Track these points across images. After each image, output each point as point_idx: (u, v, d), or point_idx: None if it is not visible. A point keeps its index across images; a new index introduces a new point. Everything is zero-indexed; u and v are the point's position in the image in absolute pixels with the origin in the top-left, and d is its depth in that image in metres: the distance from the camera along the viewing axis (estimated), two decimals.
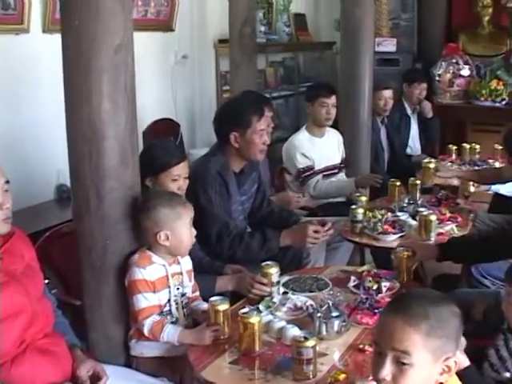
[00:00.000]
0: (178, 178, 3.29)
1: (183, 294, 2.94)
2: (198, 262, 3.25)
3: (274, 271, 3.15)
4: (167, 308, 2.87)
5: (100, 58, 2.69)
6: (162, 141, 4.01)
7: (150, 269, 2.81)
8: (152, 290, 2.80)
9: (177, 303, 2.90)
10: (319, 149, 5.03)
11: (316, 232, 3.70)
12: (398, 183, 4.58)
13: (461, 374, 2.33)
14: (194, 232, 2.95)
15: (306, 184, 4.88)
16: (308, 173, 4.89)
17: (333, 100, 5.03)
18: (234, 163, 3.84)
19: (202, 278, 3.17)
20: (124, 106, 2.79)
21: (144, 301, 2.78)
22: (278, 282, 3.16)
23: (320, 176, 4.96)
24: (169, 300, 2.87)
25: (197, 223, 3.10)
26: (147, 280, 2.79)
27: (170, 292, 2.87)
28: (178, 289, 2.91)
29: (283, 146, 5.15)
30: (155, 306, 2.81)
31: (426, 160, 5.09)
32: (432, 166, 4.89)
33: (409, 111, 6.61)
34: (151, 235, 2.83)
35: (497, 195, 4.51)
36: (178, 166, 3.29)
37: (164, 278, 2.85)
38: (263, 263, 3.22)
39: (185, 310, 2.94)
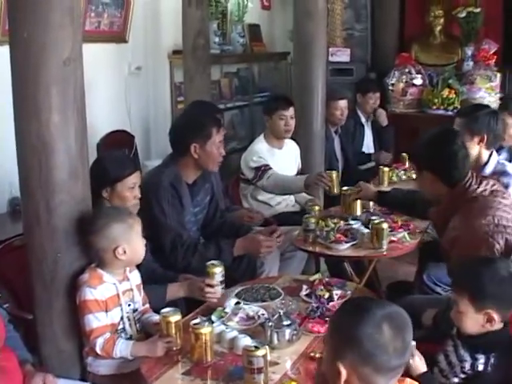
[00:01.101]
0: (134, 185, 3.30)
1: (135, 310, 2.94)
2: (151, 273, 3.28)
3: (218, 270, 3.19)
4: (121, 326, 2.87)
5: (49, 71, 2.68)
6: (112, 153, 4.04)
7: (101, 288, 2.81)
8: (104, 309, 2.80)
9: (129, 320, 2.91)
10: (277, 160, 5.05)
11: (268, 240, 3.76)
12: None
13: (418, 379, 2.40)
14: (144, 241, 2.96)
15: (262, 179, 4.84)
16: (264, 168, 4.85)
17: (291, 112, 5.08)
18: (188, 174, 3.85)
19: (152, 288, 3.19)
20: (74, 119, 2.78)
21: (95, 321, 2.77)
22: (222, 282, 3.21)
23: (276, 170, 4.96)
24: (121, 318, 2.87)
25: (150, 234, 3.15)
26: (98, 300, 2.78)
27: (121, 310, 2.87)
28: (129, 305, 2.92)
29: (240, 156, 5.18)
30: (107, 325, 2.80)
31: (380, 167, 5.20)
32: (386, 170, 5.14)
33: (363, 120, 6.69)
34: (108, 252, 2.83)
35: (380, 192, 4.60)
36: (132, 175, 3.30)
37: (115, 296, 2.85)
38: (207, 263, 3.25)
39: (137, 325, 2.95)
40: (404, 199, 4.13)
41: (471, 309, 2.55)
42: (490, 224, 3.07)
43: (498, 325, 2.56)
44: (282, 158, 5.11)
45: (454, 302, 2.63)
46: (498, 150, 4.73)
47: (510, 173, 3.84)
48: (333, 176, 4.58)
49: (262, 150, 5.02)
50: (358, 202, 4.40)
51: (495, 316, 2.53)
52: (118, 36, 5.75)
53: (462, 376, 2.58)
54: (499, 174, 3.88)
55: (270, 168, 4.86)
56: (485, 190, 3.24)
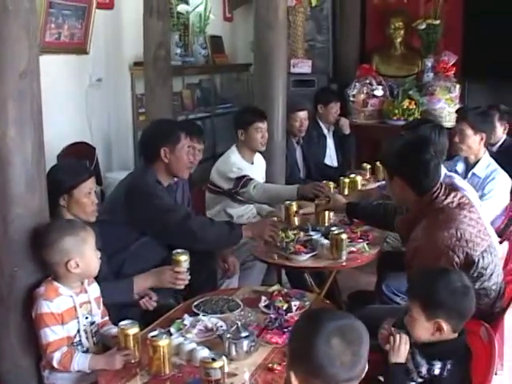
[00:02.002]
0: (90, 191, 3.31)
1: (92, 323, 2.93)
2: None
3: (184, 258, 3.32)
4: (77, 339, 2.86)
5: (4, 84, 2.68)
6: (65, 161, 4.07)
7: (58, 301, 2.79)
8: (60, 322, 2.78)
9: (86, 332, 2.89)
10: (251, 175, 5.04)
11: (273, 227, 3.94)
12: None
13: (390, 368, 2.45)
14: (99, 254, 2.95)
15: (246, 187, 4.83)
16: (245, 178, 4.86)
17: (265, 124, 5.12)
18: (162, 179, 3.91)
19: (118, 282, 3.33)
20: (30, 133, 2.78)
21: (52, 334, 2.76)
22: (188, 270, 3.37)
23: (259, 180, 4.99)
24: (78, 330, 2.86)
25: (152, 231, 3.64)
26: (54, 313, 2.77)
27: (78, 322, 2.86)
28: (86, 318, 2.90)
29: (202, 167, 5.20)
30: (63, 338, 2.79)
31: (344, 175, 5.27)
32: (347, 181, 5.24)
33: (325, 131, 6.72)
34: (61, 266, 2.81)
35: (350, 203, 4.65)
36: (88, 181, 3.31)
37: (72, 309, 2.84)
38: (174, 251, 3.37)
39: (94, 338, 2.94)
40: (374, 211, 4.16)
41: (422, 316, 2.61)
42: (452, 237, 3.10)
43: (449, 335, 2.61)
44: (254, 173, 5.11)
45: (408, 308, 2.69)
46: (452, 159, 4.85)
47: (458, 185, 3.87)
48: (330, 186, 4.78)
49: (238, 162, 5.04)
50: (327, 212, 4.46)
51: (444, 326, 2.58)
52: (78, 47, 5.71)
53: (420, 380, 2.63)
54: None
55: (252, 178, 4.88)
56: (452, 201, 3.27)
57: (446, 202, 3.27)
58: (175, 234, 3.72)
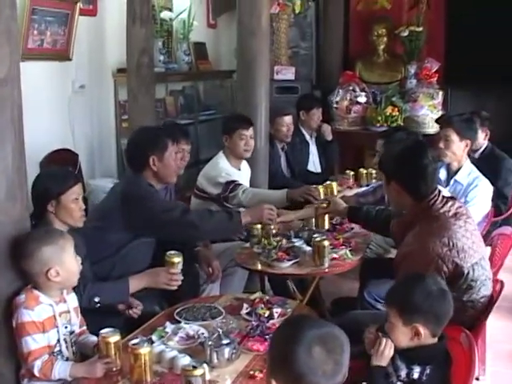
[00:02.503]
0: (78, 197, 3.32)
1: (71, 332, 2.92)
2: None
3: (177, 260, 3.41)
4: (57, 348, 2.84)
5: None
6: (51, 168, 4.07)
7: (38, 309, 2.78)
8: (41, 330, 2.77)
9: (66, 342, 2.88)
10: (239, 180, 5.04)
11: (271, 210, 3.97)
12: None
13: (371, 370, 2.46)
14: (79, 259, 2.95)
15: (235, 192, 4.80)
16: (234, 184, 4.85)
17: (251, 132, 5.11)
18: (153, 184, 3.91)
19: (114, 283, 3.40)
20: (11, 140, 2.77)
21: (33, 343, 2.74)
22: (181, 271, 3.45)
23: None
24: (58, 340, 2.84)
25: (150, 232, 3.69)
26: (36, 321, 2.76)
27: (58, 332, 2.84)
28: (66, 327, 2.89)
29: (187, 173, 5.20)
30: (45, 347, 2.78)
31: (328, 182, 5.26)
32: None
33: (307, 137, 6.74)
34: (41, 275, 2.80)
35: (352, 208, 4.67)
36: (75, 186, 3.32)
37: (52, 317, 2.83)
38: (167, 253, 3.44)
39: (73, 348, 2.93)
40: (377, 216, 4.08)
41: (400, 322, 2.63)
42: (443, 246, 3.09)
43: (428, 339, 2.62)
44: (241, 179, 5.10)
45: (387, 314, 2.70)
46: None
47: None
48: (320, 191, 4.80)
49: (227, 168, 5.04)
50: (327, 216, 4.46)
51: (422, 330, 2.59)
52: (61, 54, 5.70)
53: None
54: None
55: (241, 184, 4.88)
56: (449, 210, 3.24)
57: (442, 211, 3.24)
58: (177, 230, 3.75)
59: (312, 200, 4.68)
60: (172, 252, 3.44)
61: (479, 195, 4.67)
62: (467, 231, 3.19)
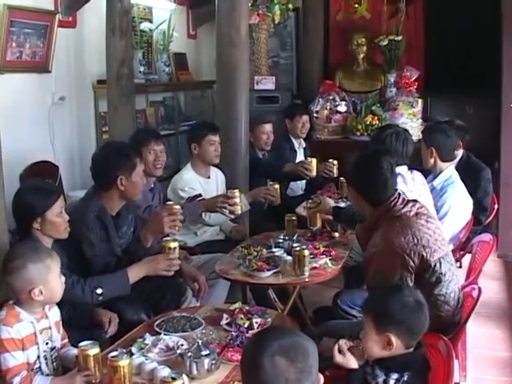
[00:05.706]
0: (61, 210, 3.35)
1: (52, 348, 2.90)
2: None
3: (173, 245, 3.52)
4: (37, 365, 2.82)
5: None
6: (31, 183, 4.06)
7: (18, 326, 2.76)
8: (20, 347, 2.75)
9: (46, 359, 2.86)
10: (206, 189, 5.07)
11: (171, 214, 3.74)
12: (294, 218, 4.74)
13: (348, 374, 2.47)
14: (63, 279, 2.93)
15: None
16: (196, 200, 4.80)
17: (218, 137, 5.15)
18: (112, 206, 3.87)
19: (113, 277, 3.47)
20: None
21: (12, 360, 2.72)
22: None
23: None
24: (38, 357, 2.82)
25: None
26: (15, 338, 2.74)
27: (38, 349, 2.82)
28: (47, 344, 2.87)
29: (166, 184, 5.21)
30: (23, 363, 2.75)
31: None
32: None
33: (296, 146, 6.77)
34: (23, 293, 2.79)
35: (336, 208, 4.69)
36: (58, 201, 3.35)
37: (32, 335, 2.80)
38: (163, 239, 3.55)
39: (54, 363, 2.91)
40: (355, 216, 4.21)
41: (373, 330, 2.64)
42: (408, 242, 3.19)
43: (400, 350, 2.62)
44: (211, 187, 5.14)
45: (363, 323, 2.72)
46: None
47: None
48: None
49: (191, 180, 5.05)
50: (318, 214, 4.64)
51: (394, 340, 2.60)
52: (40, 66, 5.68)
53: None
54: None
55: (203, 199, 4.84)
56: (410, 210, 3.36)
57: (403, 211, 3.36)
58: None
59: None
60: (167, 238, 3.54)
61: (448, 202, 4.73)
62: (429, 229, 3.30)
